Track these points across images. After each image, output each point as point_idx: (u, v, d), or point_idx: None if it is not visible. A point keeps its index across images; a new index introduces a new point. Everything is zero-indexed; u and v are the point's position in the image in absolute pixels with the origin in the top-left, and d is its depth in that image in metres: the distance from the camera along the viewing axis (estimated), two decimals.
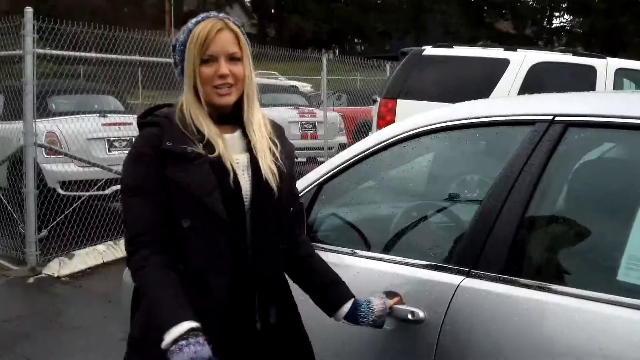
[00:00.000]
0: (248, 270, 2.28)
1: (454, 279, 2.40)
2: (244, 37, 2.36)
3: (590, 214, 2.41)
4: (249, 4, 66.43)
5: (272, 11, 63.12)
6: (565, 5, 61.01)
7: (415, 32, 49.78)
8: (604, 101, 2.57)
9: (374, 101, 9.47)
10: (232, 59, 2.30)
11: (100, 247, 7.54)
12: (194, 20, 2.33)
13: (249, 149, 2.34)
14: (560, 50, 9.77)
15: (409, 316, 2.43)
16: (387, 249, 2.84)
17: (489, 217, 2.40)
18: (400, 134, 2.92)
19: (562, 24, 64.34)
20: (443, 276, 2.45)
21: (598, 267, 2.25)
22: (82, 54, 7.92)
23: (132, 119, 9.51)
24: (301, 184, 3.04)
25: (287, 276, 2.49)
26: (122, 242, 7.78)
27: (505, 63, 8.56)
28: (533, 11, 59.99)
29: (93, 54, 8.06)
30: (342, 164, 3.03)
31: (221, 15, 2.37)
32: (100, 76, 10.53)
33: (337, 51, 47.84)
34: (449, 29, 50.82)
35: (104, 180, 8.35)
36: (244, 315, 2.31)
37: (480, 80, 8.32)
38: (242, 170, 2.32)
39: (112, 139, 8.94)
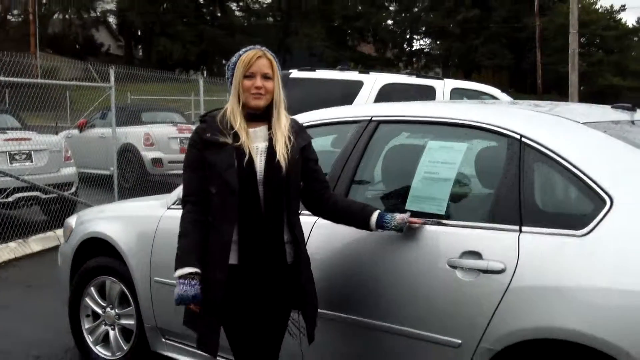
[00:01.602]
0: (261, 222, 3.20)
1: (313, 218, 3.78)
2: (276, 63, 3.31)
3: (393, 175, 3.89)
4: (115, 27, 66.18)
5: (139, 33, 63.13)
6: (424, 28, 63.98)
7: (282, 53, 51.25)
8: (403, 107, 4.03)
9: None
10: (266, 77, 3.26)
11: (12, 244, 8.60)
12: (243, 50, 3.31)
13: (270, 139, 3.26)
14: (406, 73, 11.40)
15: None
16: None
17: (332, 180, 3.81)
18: None
19: (421, 46, 67.34)
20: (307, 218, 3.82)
21: (396, 203, 3.68)
22: None
23: (30, 134, 10.53)
24: None
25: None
26: (30, 240, 8.88)
27: (359, 84, 9.83)
28: (393, 34, 62.49)
29: None
30: None
31: (263, 48, 3.33)
32: None
33: (205, 72, 48.58)
34: (314, 51, 52.65)
35: (9, 189, 9.32)
36: (254, 254, 3.22)
37: (339, 99, 9.28)
38: (258, 154, 3.23)
39: (13, 152, 9.91)
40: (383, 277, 3.46)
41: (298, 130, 3.39)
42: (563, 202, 3.21)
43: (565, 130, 3.23)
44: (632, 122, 3.53)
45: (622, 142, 3.09)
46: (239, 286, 3.23)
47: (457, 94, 10.32)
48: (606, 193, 2.91)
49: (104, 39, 64.89)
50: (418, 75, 10.86)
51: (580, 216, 2.96)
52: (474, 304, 3.10)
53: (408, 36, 64.95)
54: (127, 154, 14.14)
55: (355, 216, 3.45)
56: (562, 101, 4.53)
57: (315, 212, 3.57)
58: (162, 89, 26.64)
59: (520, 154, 3.20)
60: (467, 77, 48.84)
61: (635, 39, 65.62)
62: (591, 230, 2.89)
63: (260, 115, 3.30)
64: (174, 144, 14.90)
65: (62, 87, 16.66)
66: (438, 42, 63.91)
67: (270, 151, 3.24)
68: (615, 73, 54.49)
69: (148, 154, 14.54)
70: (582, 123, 3.24)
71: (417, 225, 3.38)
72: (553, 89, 50.50)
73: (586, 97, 35.92)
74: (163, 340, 4.63)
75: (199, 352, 4.32)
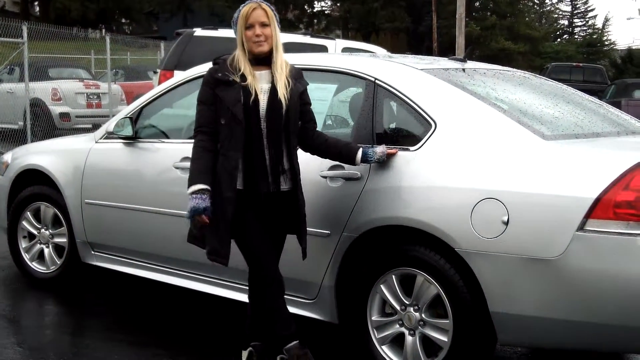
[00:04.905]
0: (262, 152, 3.72)
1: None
2: (272, 11, 3.74)
3: None
4: None
5: None
6: None
7: (182, 13, 51.07)
8: (291, 57, 5.01)
9: (155, 72, 11.54)
10: (263, 25, 3.70)
11: None
12: (242, 5, 3.75)
13: (272, 81, 3.75)
14: (302, 34, 12.37)
15: None
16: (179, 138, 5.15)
17: None
18: (179, 81, 5.20)
19: (322, 7, 67.98)
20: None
21: None
22: None
23: None
24: (129, 108, 5.31)
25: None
26: None
27: None
28: None
29: None
30: (152, 97, 5.29)
31: (257, 0, 3.75)
32: None
33: (104, 31, 47.92)
34: (215, 11, 52.68)
35: None
36: (256, 180, 3.74)
37: None
38: (263, 93, 3.72)
39: None
40: None
41: (297, 76, 3.88)
42: (403, 127, 4.30)
43: (407, 74, 4.29)
44: (463, 69, 4.63)
45: (446, 83, 4.17)
46: (244, 207, 3.77)
47: (346, 52, 11.42)
48: (432, 119, 3.99)
49: None
50: (312, 36, 11.86)
51: (414, 136, 4.05)
52: (339, 203, 4.15)
53: None
54: (35, 108, 14.54)
55: (342, 152, 3.98)
56: None
57: (307, 148, 4.04)
58: (60, 46, 26.59)
59: (374, 92, 4.25)
60: (366, 39, 49.90)
61: (530, 3, 68.16)
62: (421, 147, 3.97)
63: (263, 60, 3.78)
64: (81, 99, 15.52)
65: None
66: (338, 4, 64.64)
67: (273, 91, 3.74)
68: (508, 37, 56.58)
69: (56, 109, 15.09)
70: (419, 69, 4.32)
71: (393, 153, 3.99)
72: (449, 52, 52.02)
73: (479, 61, 37.28)
74: (92, 252, 5.54)
75: (122, 259, 5.30)
